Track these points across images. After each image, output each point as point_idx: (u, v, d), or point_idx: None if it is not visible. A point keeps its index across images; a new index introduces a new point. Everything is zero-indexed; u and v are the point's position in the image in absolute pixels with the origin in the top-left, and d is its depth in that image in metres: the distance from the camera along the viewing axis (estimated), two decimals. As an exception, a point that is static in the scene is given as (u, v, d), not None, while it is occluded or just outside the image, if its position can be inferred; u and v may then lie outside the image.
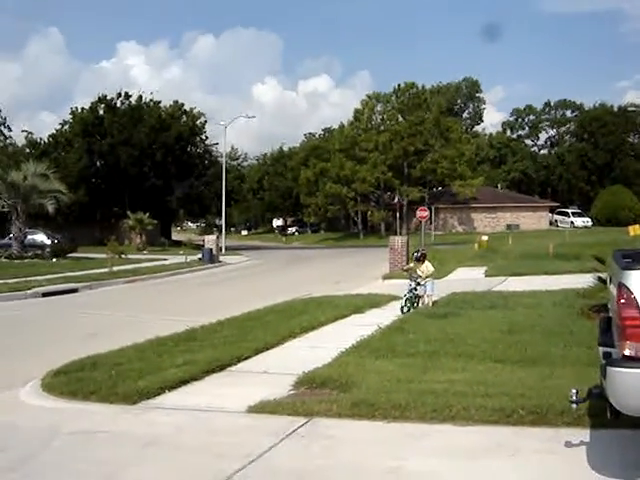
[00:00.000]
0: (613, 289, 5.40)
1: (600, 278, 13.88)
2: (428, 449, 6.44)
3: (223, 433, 7.16)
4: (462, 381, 8.69)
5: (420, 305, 16.48)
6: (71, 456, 6.59)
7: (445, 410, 7.36)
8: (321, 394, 8.41)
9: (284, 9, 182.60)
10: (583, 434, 6.58)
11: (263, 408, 7.89)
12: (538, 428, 6.86)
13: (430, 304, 16.44)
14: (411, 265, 17.65)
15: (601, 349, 5.80)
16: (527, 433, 6.76)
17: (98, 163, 65.97)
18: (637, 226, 45.44)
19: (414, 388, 8.32)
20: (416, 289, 16.66)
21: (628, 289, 4.71)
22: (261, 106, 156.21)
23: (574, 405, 5.86)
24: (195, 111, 71.27)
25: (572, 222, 78.29)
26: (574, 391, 5.81)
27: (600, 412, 6.53)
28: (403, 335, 12.25)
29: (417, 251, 17.89)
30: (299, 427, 7.20)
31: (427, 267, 17.09)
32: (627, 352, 4.72)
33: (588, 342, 10.73)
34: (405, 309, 16.19)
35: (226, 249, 51.98)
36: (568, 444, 6.33)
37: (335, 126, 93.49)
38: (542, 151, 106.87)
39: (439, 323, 13.43)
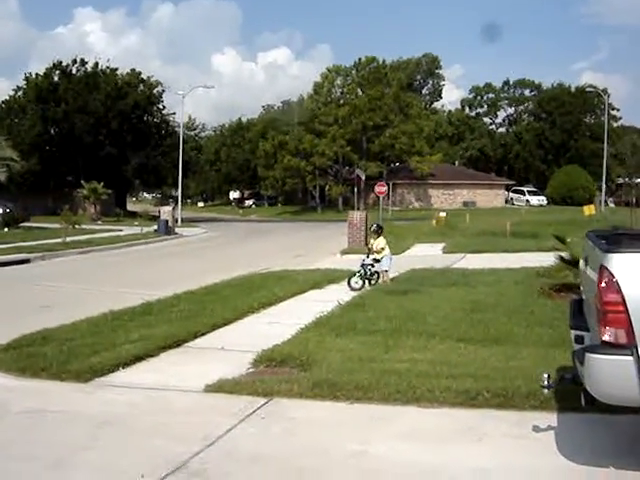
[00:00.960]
0: (590, 272, 5.22)
1: (562, 258, 13.84)
2: (393, 432, 6.24)
3: (180, 413, 6.89)
4: (425, 361, 8.53)
5: (380, 282, 16.28)
6: (20, 438, 6.24)
7: (409, 391, 7.18)
8: (281, 373, 8.19)
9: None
10: (550, 418, 6.45)
11: (221, 387, 7.64)
12: (504, 411, 6.72)
13: (388, 281, 16.28)
14: (371, 240, 17.47)
15: (573, 332, 5.65)
16: (493, 416, 6.61)
17: (52, 131, 64.49)
18: (592, 206, 45.86)
19: (376, 368, 8.13)
20: (373, 265, 16.49)
21: (610, 272, 4.52)
22: (220, 77, 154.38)
23: (545, 390, 5.70)
24: (152, 80, 70.08)
25: (528, 200, 79.01)
26: (546, 376, 5.65)
27: (567, 396, 6.44)
28: (363, 312, 12.08)
29: (373, 224, 17.94)
30: (259, 408, 6.96)
31: (380, 241, 16.93)
32: (607, 337, 4.55)
33: (550, 322, 10.74)
34: (354, 283, 15.94)
35: (182, 221, 51.36)
36: (536, 428, 6.20)
37: (294, 99, 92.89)
38: (500, 129, 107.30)
39: (399, 300, 13.28)
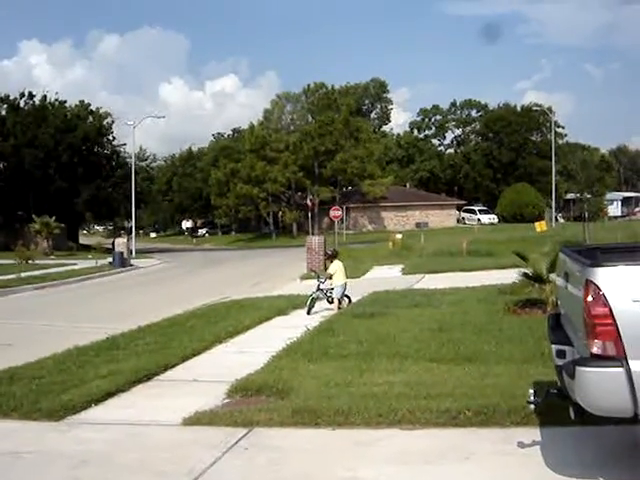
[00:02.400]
0: (572, 287, 5.28)
1: (526, 274, 13.99)
2: (379, 456, 6.21)
3: (160, 449, 6.75)
4: (400, 382, 8.54)
5: (335, 309, 16.13)
6: (-5, 481, 6.07)
7: (390, 414, 7.16)
8: (258, 402, 8.10)
9: (189, 9, 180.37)
10: (534, 433, 6.48)
11: (199, 420, 7.52)
12: (487, 429, 6.74)
13: (335, 309, 16.16)
14: (326, 265, 17.78)
15: (554, 347, 5.69)
16: (477, 435, 6.62)
17: (1, 165, 63.36)
18: (543, 222, 46.72)
19: (354, 392, 8.11)
20: (331, 289, 16.50)
21: (596, 286, 4.58)
22: (168, 106, 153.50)
23: (532, 406, 5.73)
24: (102, 111, 69.30)
25: (479, 219, 79.96)
26: (532, 391, 5.69)
27: (548, 411, 6.49)
28: (333, 337, 12.07)
29: (327, 250, 18.33)
30: (240, 439, 6.86)
31: (332, 267, 16.88)
32: (596, 350, 4.60)
33: (518, 338, 10.87)
34: (312, 307, 16.05)
35: (136, 252, 50.76)
36: (521, 444, 6.21)
37: (244, 126, 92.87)
38: (449, 150, 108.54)
39: (367, 323, 13.31)
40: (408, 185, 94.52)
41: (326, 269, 18.49)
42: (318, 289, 16.53)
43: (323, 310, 16.16)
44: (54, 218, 52.68)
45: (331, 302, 16.46)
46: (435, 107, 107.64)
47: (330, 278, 16.54)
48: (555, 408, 6.25)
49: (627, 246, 6.88)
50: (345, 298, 16.57)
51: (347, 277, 16.90)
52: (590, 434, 6.23)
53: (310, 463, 6.18)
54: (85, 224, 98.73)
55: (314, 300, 16.23)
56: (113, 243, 43.86)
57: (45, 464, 6.46)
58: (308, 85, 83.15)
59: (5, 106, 64.02)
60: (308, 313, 15.77)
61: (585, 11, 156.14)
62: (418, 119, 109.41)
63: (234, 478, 5.91)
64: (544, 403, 5.91)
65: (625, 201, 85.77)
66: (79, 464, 6.34)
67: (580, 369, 4.66)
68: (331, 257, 17.29)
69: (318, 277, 16.96)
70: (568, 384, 4.98)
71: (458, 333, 11.66)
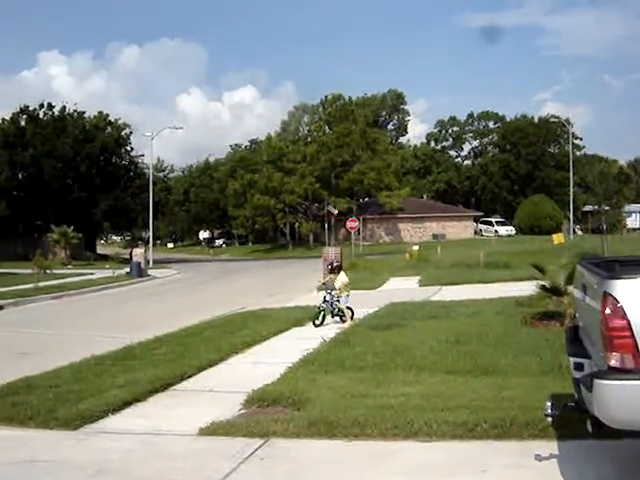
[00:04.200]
0: (590, 300, 5.25)
1: (544, 286, 13.92)
2: (396, 468, 6.18)
3: (176, 458, 6.75)
4: (417, 394, 8.50)
5: (346, 323, 15.87)
6: (12, 489, 6.09)
7: (406, 426, 7.14)
8: (274, 413, 8.10)
9: (209, 20, 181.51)
10: (551, 447, 6.43)
11: (215, 430, 7.53)
12: (504, 441, 6.70)
13: (349, 319, 16.05)
14: (327, 278, 17.23)
15: (572, 360, 5.65)
16: (494, 447, 6.58)
17: (20, 175, 63.92)
18: (560, 234, 46.56)
19: (370, 403, 8.09)
20: (337, 301, 16.24)
21: (614, 298, 4.56)
22: (186, 117, 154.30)
23: (549, 419, 5.69)
24: (120, 122, 69.94)
25: (496, 231, 79.74)
26: (549, 404, 5.65)
27: (565, 424, 6.44)
28: (350, 348, 12.03)
29: (331, 263, 17.84)
30: (257, 449, 6.86)
31: (342, 278, 16.75)
32: (614, 363, 4.56)
33: (536, 350, 10.77)
34: (318, 322, 15.84)
35: (154, 262, 50.98)
36: (538, 457, 6.17)
37: (261, 138, 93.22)
38: (466, 162, 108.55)
39: (384, 335, 13.26)
40: (425, 196, 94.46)
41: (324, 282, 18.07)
42: (324, 301, 16.23)
43: (336, 322, 16.03)
44: (72, 228, 53.01)
45: (335, 316, 16.22)
46: (452, 118, 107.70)
47: (337, 290, 16.34)
48: (573, 421, 6.21)
49: (646, 258, 6.84)
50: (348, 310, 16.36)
51: (363, 288, 16.86)
52: (608, 447, 6.17)
53: (326, 474, 6.17)
54: (103, 234, 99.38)
55: (322, 313, 16.04)
56: (130, 253, 44.09)
57: (61, 473, 6.49)
58: (325, 96, 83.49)
59: (25, 117, 64.70)
60: (315, 325, 15.68)
61: (603, 22, 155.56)
62: (435, 130, 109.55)
63: (250, 489, 5.90)
64: (561, 416, 5.86)
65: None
66: (95, 473, 6.37)
67: (598, 382, 4.62)
68: (336, 270, 17.08)
69: (326, 289, 16.67)
70: (586, 397, 4.94)
71: (475, 345, 11.60)
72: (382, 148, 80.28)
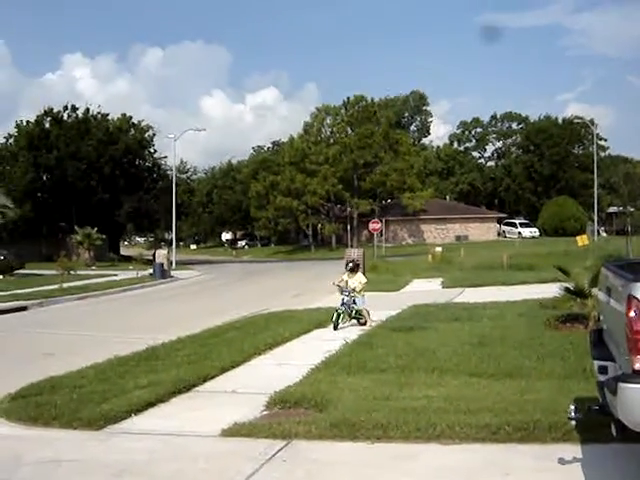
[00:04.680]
0: (615, 302, 5.21)
1: (567, 289, 13.83)
2: (419, 471, 6.17)
3: (199, 459, 6.77)
4: (440, 397, 8.47)
5: (366, 325, 15.71)
6: (37, 489, 6.14)
7: (429, 429, 7.11)
8: (296, 414, 8.10)
9: (231, 23, 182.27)
10: (575, 450, 6.39)
11: (238, 431, 7.55)
12: (527, 445, 6.66)
13: (371, 322, 15.81)
14: (344, 277, 16.69)
15: (596, 363, 5.61)
16: (517, 450, 6.55)
17: (44, 177, 64.43)
18: (585, 236, 46.09)
19: (393, 406, 8.07)
20: (353, 302, 16.01)
21: (639, 301, 4.51)
22: (209, 119, 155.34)
23: (573, 422, 5.65)
24: (143, 124, 70.31)
25: (520, 232, 79.26)
26: (573, 407, 5.61)
27: (589, 427, 6.39)
28: (372, 350, 12.02)
29: (351, 261, 17.42)
30: (279, 451, 6.87)
31: (360, 278, 16.58)
32: (638, 366, 4.52)
33: (560, 353, 10.72)
34: (338, 323, 15.57)
35: (176, 264, 51.18)
36: (562, 461, 6.13)
37: (284, 139, 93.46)
38: (489, 163, 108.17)
39: (406, 337, 13.24)
40: (448, 198, 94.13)
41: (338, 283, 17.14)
42: (343, 303, 15.98)
43: (355, 325, 15.96)
44: (96, 229, 53.38)
45: (353, 318, 16.04)
46: (475, 119, 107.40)
47: (354, 291, 16.11)
48: (597, 425, 6.16)
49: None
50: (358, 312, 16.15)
51: (386, 290, 16.77)
52: (632, 451, 6.10)
53: (348, 476, 6.17)
54: (126, 235, 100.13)
55: (340, 315, 15.76)
56: (154, 254, 44.21)
57: (85, 472, 6.54)
58: (348, 98, 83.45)
59: (49, 119, 65.19)
60: (335, 328, 15.43)
61: (628, 21, 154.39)
62: (458, 131, 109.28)
63: (272, 490, 5.91)
64: (585, 419, 5.82)
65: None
66: (119, 473, 6.41)
67: (622, 385, 4.58)
68: (354, 269, 16.77)
69: (342, 291, 16.36)
70: (610, 400, 4.90)
71: (498, 348, 11.55)
72: (405, 149, 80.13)
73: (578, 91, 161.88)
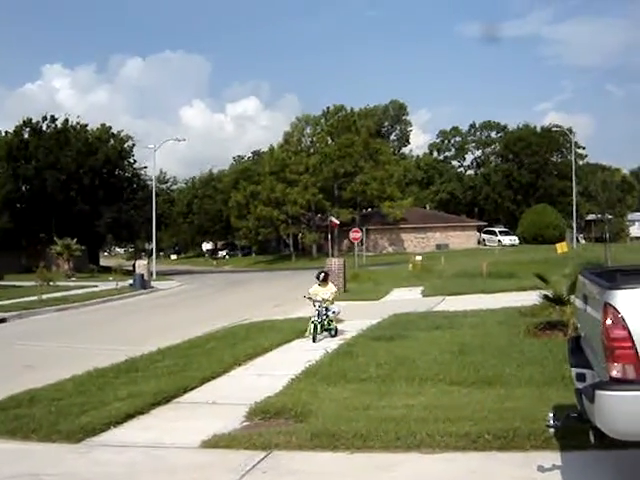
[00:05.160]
0: (591, 310, 5.25)
1: (546, 296, 13.91)
2: (400, 481, 6.18)
3: (179, 471, 6.75)
4: (420, 406, 8.48)
5: (336, 335, 15.49)
6: (15, 504, 6.08)
7: (409, 438, 7.12)
8: (277, 425, 8.09)
9: (211, 33, 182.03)
10: (554, 458, 6.42)
11: (218, 442, 7.52)
12: (507, 453, 6.69)
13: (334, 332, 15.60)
14: (316, 287, 16.33)
15: (574, 370, 5.65)
16: (497, 459, 6.57)
17: (23, 188, 64.01)
18: (564, 244, 46.41)
19: (373, 415, 8.07)
20: (325, 314, 15.62)
21: (615, 309, 4.55)
22: (189, 129, 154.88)
23: (552, 429, 5.68)
24: (123, 134, 70.05)
25: (500, 241, 79.65)
26: (551, 415, 5.63)
27: (568, 435, 6.43)
28: (352, 359, 12.02)
29: (322, 272, 16.93)
30: (259, 462, 6.85)
31: (332, 288, 16.38)
32: (615, 374, 4.55)
33: (539, 361, 10.76)
34: (314, 336, 15.11)
35: (157, 274, 50.98)
36: (541, 469, 6.16)
37: (264, 149, 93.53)
38: (468, 172, 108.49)
39: (387, 346, 13.24)
40: (428, 207, 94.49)
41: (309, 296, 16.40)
42: (318, 314, 15.46)
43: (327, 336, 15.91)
44: (75, 240, 53.10)
45: (325, 330, 15.59)
46: (455, 129, 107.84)
47: (327, 301, 15.76)
48: (575, 432, 6.19)
49: (648, 268, 6.83)
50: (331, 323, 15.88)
51: (366, 299, 16.70)
52: (610, 458, 6.15)
53: (328, 487, 6.16)
54: (106, 246, 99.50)
55: (317, 327, 15.30)
56: (134, 265, 44.07)
57: (64, 486, 6.48)
58: (328, 107, 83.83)
59: (28, 130, 64.84)
60: (314, 341, 14.97)
61: (606, 31, 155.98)
62: (438, 141, 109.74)
63: (252, 502, 5.89)
64: (564, 427, 5.84)
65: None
66: (98, 486, 6.36)
67: (599, 393, 4.61)
68: (325, 279, 16.44)
69: (314, 303, 15.81)
70: (588, 408, 4.93)
71: (478, 356, 11.58)
72: (385, 159, 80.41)
73: (556, 100, 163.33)
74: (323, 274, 16.69)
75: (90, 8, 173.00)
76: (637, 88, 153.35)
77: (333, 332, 15.68)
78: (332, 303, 16.04)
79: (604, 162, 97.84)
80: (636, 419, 4.48)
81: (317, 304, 15.73)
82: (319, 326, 15.40)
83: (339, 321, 17.83)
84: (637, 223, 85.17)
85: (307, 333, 15.42)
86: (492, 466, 6.37)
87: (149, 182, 67.68)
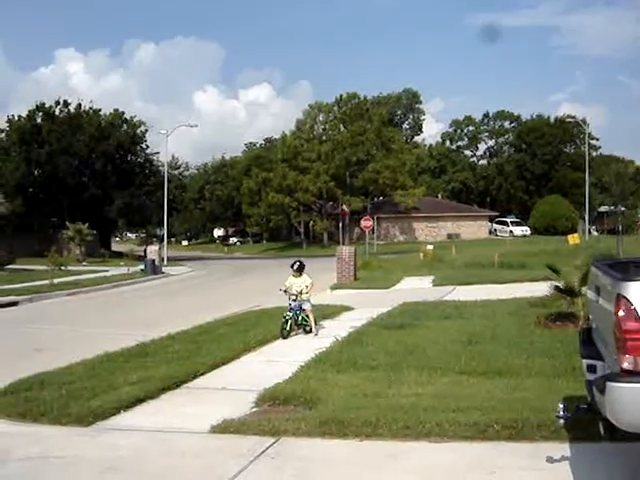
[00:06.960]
0: (604, 301, 5.21)
1: (557, 287, 13.85)
2: (408, 469, 6.17)
3: (187, 456, 6.77)
4: (429, 395, 8.48)
5: (311, 331, 14.50)
6: (24, 485, 6.11)
7: (418, 426, 7.12)
8: (286, 411, 8.10)
9: (224, 19, 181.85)
10: (563, 449, 6.40)
11: (227, 428, 7.53)
12: (516, 443, 6.67)
13: (316, 331, 14.54)
14: (290, 278, 15.10)
15: (585, 362, 5.62)
16: (505, 449, 6.56)
17: (36, 172, 64.11)
18: (575, 235, 46.25)
19: (382, 403, 8.07)
20: (300, 308, 14.60)
21: (628, 300, 4.52)
22: (202, 115, 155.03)
23: (562, 420, 5.66)
24: (135, 120, 70.10)
25: (511, 231, 79.50)
26: (561, 406, 5.61)
27: (577, 426, 6.41)
28: (362, 347, 12.03)
29: (296, 261, 15.49)
30: (268, 448, 6.86)
31: (306, 280, 15.03)
32: (626, 365, 4.52)
33: (549, 352, 10.73)
34: (285, 332, 14.11)
35: (168, 260, 51.10)
36: (550, 459, 6.14)
37: (276, 136, 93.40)
38: (481, 161, 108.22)
39: (397, 334, 13.23)
40: (440, 196, 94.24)
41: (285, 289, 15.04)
42: (291, 309, 14.49)
43: (343, 321, 15.83)
44: (87, 225, 53.21)
45: (299, 325, 14.65)
46: (468, 118, 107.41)
47: (300, 294, 14.64)
48: (585, 423, 6.18)
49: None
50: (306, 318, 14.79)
51: (377, 288, 16.58)
52: (620, 451, 6.12)
53: (336, 474, 6.17)
54: (117, 231, 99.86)
55: (289, 322, 14.29)
56: (145, 250, 44.20)
57: (73, 469, 6.52)
58: (340, 95, 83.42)
59: (41, 114, 64.87)
60: (284, 338, 13.99)
61: (619, 22, 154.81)
62: (450, 130, 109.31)
63: (260, 487, 5.90)
64: (574, 418, 5.82)
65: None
66: (107, 470, 6.39)
67: (610, 384, 4.58)
68: (299, 270, 15.11)
69: (289, 295, 14.72)
70: (598, 399, 4.90)
71: (488, 346, 11.57)
72: (397, 147, 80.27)
73: (570, 91, 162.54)
74: (298, 263, 15.25)
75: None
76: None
77: (308, 328, 14.59)
78: (308, 296, 14.85)
79: (617, 154, 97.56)
80: (646, 411, 4.46)
81: (291, 297, 14.67)
82: (291, 322, 14.37)
83: (349, 309, 17.85)
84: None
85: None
86: (500, 456, 6.36)
87: (161, 168, 67.80)
